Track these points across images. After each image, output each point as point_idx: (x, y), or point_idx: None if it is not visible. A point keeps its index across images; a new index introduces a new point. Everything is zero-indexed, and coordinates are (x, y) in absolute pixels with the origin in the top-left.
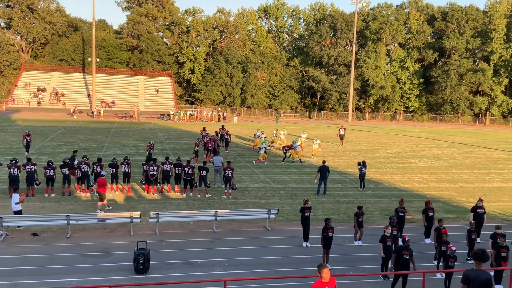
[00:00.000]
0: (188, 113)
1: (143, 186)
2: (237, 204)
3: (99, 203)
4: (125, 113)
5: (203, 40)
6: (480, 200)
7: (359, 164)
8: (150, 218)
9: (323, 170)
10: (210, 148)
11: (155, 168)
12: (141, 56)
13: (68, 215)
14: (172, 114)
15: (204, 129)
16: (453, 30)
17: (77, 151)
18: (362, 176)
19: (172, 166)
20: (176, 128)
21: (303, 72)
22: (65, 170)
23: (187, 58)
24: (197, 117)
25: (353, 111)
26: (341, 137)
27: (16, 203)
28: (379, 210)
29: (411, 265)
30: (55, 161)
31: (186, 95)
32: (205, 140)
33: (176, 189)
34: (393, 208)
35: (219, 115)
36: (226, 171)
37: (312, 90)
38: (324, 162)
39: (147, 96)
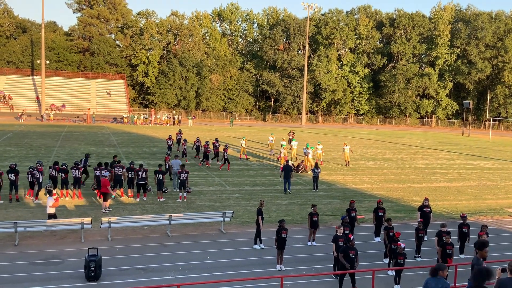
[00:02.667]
0: (142, 116)
1: (95, 191)
2: (192, 207)
3: (104, 203)
4: (77, 117)
5: (157, 43)
6: (426, 199)
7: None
8: (102, 224)
9: (286, 170)
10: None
11: (107, 173)
12: (92, 59)
13: (16, 222)
14: (126, 118)
15: (180, 132)
16: (400, 36)
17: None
18: (315, 178)
19: (124, 170)
20: (129, 131)
21: (258, 76)
22: (12, 176)
23: (140, 60)
24: (151, 120)
25: (306, 114)
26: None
27: None
28: (331, 211)
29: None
30: (1, 167)
31: (140, 98)
32: (197, 145)
33: (129, 194)
34: (345, 209)
35: (173, 118)
36: (181, 174)
37: (266, 94)
38: (287, 161)
39: (99, 99)
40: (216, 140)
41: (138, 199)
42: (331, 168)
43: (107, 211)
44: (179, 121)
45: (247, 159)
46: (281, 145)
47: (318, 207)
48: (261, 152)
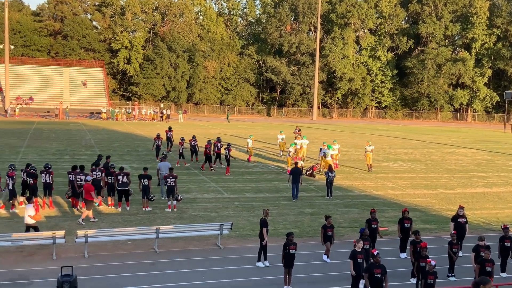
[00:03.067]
0: (123, 110)
1: (70, 199)
2: (184, 218)
3: (85, 213)
4: (48, 112)
5: (141, 24)
6: (461, 207)
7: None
8: (77, 238)
9: (295, 173)
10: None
11: (84, 177)
12: (65, 43)
13: None
14: (104, 112)
15: (170, 129)
16: (430, 14)
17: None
18: (329, 183)
19: (103, 174)
20: (109, 128)
21: (261, 62)
22: None
23: (122, 45)
24: (134, 115)
25: (318, 107)
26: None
27: None
28: (348, 222)
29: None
30: None
31: (122, 90)
32: (193, 144)
33: (109, 202)
34: (365, 219)
35: (161, 113)
36: (168, 179)
37: (271, 83)
38: (296, 164)
39: (73, 90)
40: (218, 139)
41: (119, 209)
42: (348, 171)
43: (94, 221)
44: (168, 117)
45: (249, 161)
46: (290, 145)
47: (333, 218)
48: (265, 153)
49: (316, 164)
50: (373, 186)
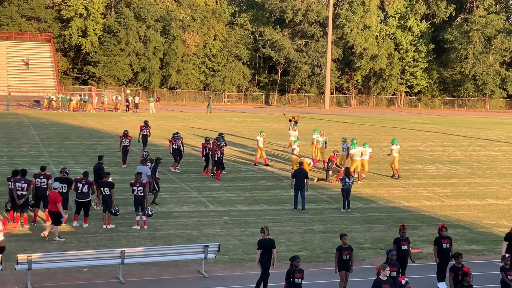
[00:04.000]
0: (79, 98)
1: (9, 213)
2: (157, 238)
3: (52, 229)
4: None
5: None
6: None
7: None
8: (17, 264)
9: (299, 176)
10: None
11: (25, 185)
12: (1, 10)
13: None
14: (54, 100)
15: (146, 125)
16: None
17: None
18: (346, 192)
19: (51, 181)
20: (59, 122)
21: (256, 35)
22: None
23: (75, 12)
24: (92, 104)
25: (331, 93)
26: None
27: None
28: (371, 242)
29: None
30: None
31: (75, 71)
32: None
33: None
34: (392, 238)
35: (127, 101)
36: (135, 187)
37: (270, 62)
38: (301, 164)
39: (11, 71)
40: (221, 135)
41: (75, 224)
42: (371, 177)
43: (60, 241)
44: (136, 106)
45: (267, 165)
46: (294, 141)
47: (350, 237)
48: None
49: (343, 167)
50: (403, 196)
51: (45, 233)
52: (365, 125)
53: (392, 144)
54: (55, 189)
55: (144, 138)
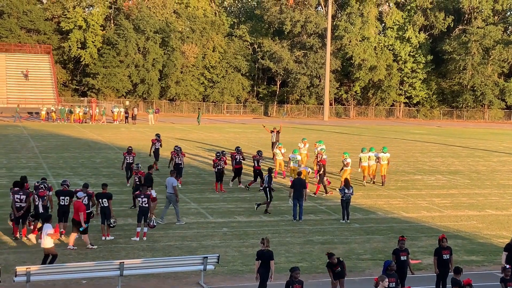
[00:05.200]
0: (77, 110)
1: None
2: (156, 249)
3: (73, 239)
4: None
5: None
6: None
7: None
8: (16, 276)
9: (297, 185)
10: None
11: (24, 197)
12: (0, 22)
13: None
14: (54, 112)
15: (158, 137)
16: None
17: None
18: (345, 202)
19: (50, 193)
20: (58, 133)
21: (255, 46)
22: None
23: (74, 24)
24: (91, 116)
25: (330, 104)
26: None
27: None
28: (370, 253)
29: None
30: None
31: (75, 82)
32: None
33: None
34: (391, 249)
35: (126, 112)
36: (139, 198)
37: (269, 74)
38: (299, 174)
39: (10, 83)
40: (238, 150)
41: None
42: (370, 187)
43: (93, 248)
44: (133, 117)
45: (284, 177)
46: (293, 151)
47: (349, 248)
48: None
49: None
50: (402, 206)
51: (71, 244)
52: (364, 136)
53: (381, 152)
54: (79, 198)
55: (156, 152)
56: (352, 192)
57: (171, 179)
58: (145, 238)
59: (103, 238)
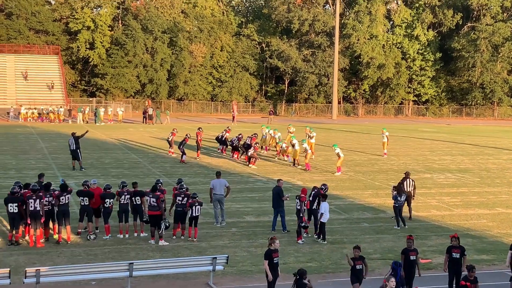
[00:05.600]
0: (86, 110)
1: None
2: (165, 250)
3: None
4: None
5: None
6: None
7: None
8: (26, 277)
9: (274, 194)
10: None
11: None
12: (9, 23)
13: None
14: (52, 113)
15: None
16: None
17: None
18: (398, 209)
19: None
20: (66, 134)
21: (263, 45)
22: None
23: (82, 25)
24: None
25: (339, 102)
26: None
27: None
28: (380, 252)
29: None
30: None
31: (83, 83)
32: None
33: (78, 229)
34: (400, 249)
35: (144, 112)
36: (194, 207)
37: (277, 73)
38: (278, 181)
39: (19, 84)
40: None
41: (92, 236)
42: (379, 187)
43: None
44: (150, 117)
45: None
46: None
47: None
48: (271, 162)
49: (254, 134)
50: (411, 205)
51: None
52: (372, 134)
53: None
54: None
55: (181, 145)
56: (405, 199)
57: (222, 180)
58: (152, 241)
59: (135, 234)
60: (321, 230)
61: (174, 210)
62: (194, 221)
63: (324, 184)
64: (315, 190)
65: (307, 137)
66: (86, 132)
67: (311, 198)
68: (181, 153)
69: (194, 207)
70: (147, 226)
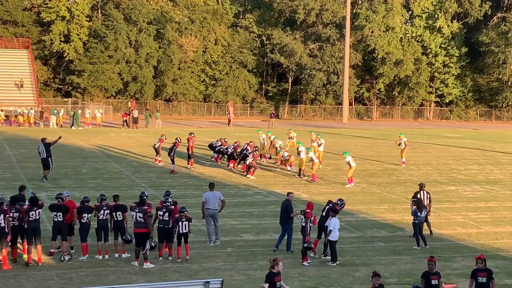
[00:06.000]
0: (61, 112)
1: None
2: (150, 273)
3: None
4: None
5: None
6: None
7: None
8: None
9: (282, 209)
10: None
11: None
12: None
13: None
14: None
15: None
16: None
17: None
18: (418, 226)
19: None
20: (38, 139)
21: (264, 38)
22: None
23: (56, 15)
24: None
25: (350, 104)
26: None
27: None
28: (397, 275)
29: None
30: None
31: (57, 81)
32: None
33: (51, 248)
34: (420, 272)
35: (127, 114)
36: (181, 222)
37: (279, 70)
38: (288, 194)
39: None
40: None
41: (67, 257)
42: (397, 200)
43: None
44: (134, 120)
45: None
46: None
47: (375, 269)
48: (271, 173)
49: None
50: (433, 222)
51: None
52: (389, 140)
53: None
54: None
55: (172, 151)
56: (426, 213)
57: (216, 193)
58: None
59: (116, 255)
60: (330, 249)
61: (157, 227)
62: (184, 239)
63: (340, 199)
64: (330, 205)
65: (312, 144)
66: (59, 138)
67: (324, 213)
68: (171, 162)
69: (181, 223)
70: (130, 245)
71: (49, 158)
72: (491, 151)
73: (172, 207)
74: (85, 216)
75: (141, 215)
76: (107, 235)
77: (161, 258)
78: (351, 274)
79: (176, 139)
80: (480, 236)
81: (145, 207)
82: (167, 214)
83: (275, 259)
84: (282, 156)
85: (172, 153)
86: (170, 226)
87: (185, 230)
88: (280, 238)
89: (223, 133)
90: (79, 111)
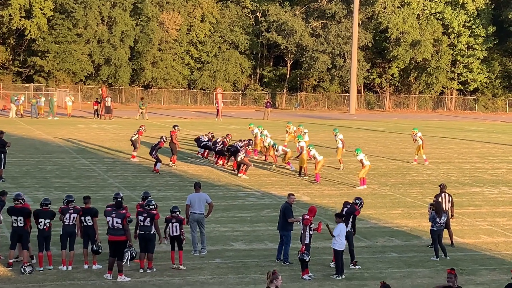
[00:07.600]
0: (21, 99)
1: None
2: (125, 287)
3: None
4: None
5: None
6: None
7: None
8: None
9: (281, 213)
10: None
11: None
12: None
13: None
14: None
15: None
16: None
17: None
18: (437, 234)
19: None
20: None
21: (258, 15)
22: None
23: None
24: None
25: (359, 92)
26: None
27: None
28: None
29: None
30: None
31: (17, 63)
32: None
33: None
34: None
35: (97, 102)
36: (171, 223)
37: (276, 51)
38: (289, 195)
39: None
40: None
41: (28, 268)
42: (412, 205)
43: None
44: (108, 110)
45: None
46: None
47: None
48: (268, 170)
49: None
50: (455, 229)
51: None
52: (402, 134)
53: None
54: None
55: (155, 150)
56: (445, 219)
57: (202, 194)
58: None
59: (86, 266)
60: (335, 260)
61: (138, 234)
62: (177, 242)
63: (358, 198)
64: (348, 207)
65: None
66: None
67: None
68: (154, 160)
69: (171, 224)
70: (101, 255)
71: (2, 154)
72: None
73: (155, 212)
74: (41, 222)
75: (118, 220)
76: (73, 243)
77: (141, 270)
78: None
79: (161, 137)
80: (509, 246)
81: (123, 211)
82: (148, 219)
83: (274, 272)
84: (277, 151)
85: (154, 152)
86: (152, 233)
87: (176, 232)
88: (279, 246)
89: (210, 125)
90: (55, 99)
